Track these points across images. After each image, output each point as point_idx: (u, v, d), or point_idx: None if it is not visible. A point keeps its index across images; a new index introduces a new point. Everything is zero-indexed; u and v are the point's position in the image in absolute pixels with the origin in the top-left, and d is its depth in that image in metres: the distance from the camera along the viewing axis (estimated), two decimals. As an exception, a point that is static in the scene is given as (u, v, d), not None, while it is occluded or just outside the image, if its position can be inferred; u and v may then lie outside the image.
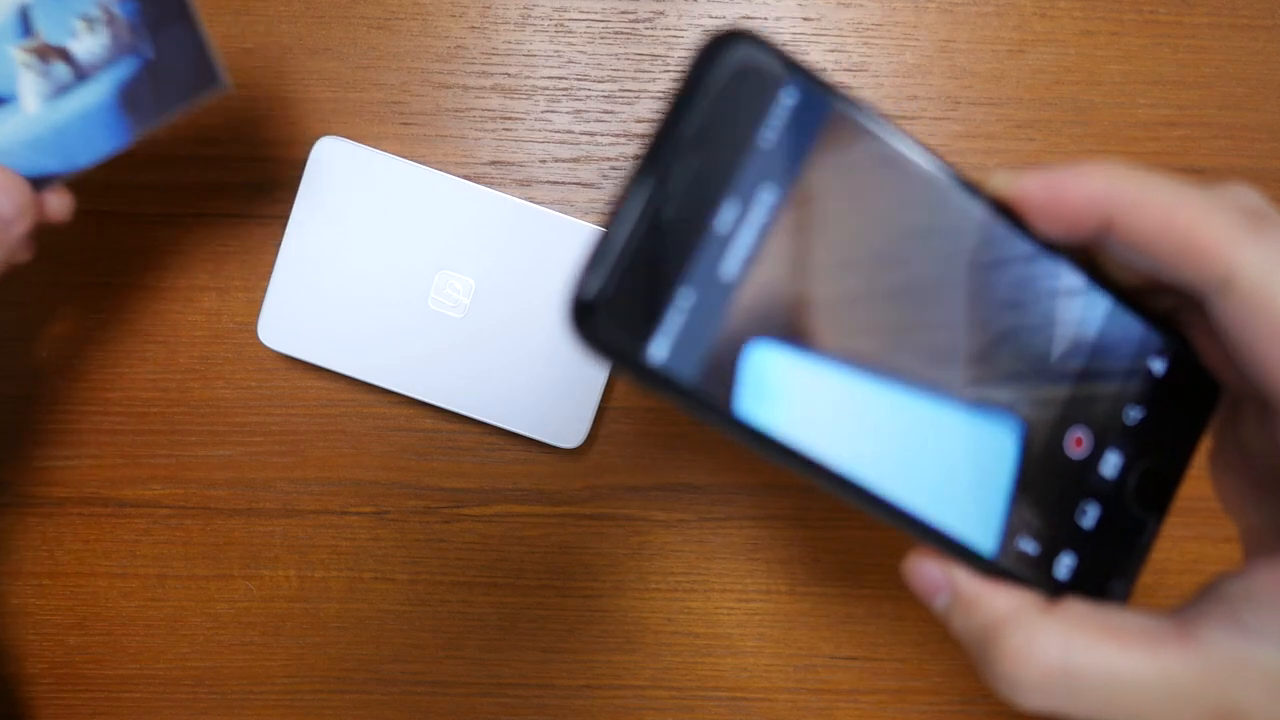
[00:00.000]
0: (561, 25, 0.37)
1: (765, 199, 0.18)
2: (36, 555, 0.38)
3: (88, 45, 0.28)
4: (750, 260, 0.18)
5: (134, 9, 0.27)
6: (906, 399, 0.20)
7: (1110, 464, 0.21)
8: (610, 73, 0.37)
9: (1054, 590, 0.21)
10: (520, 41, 0.37)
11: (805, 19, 0.37)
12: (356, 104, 0.37)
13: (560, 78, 0.37)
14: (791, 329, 0.19)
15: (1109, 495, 0.22)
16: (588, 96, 0.37)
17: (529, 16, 0.37)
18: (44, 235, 0.37)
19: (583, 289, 0.17)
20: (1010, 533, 0.21)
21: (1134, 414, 0.22)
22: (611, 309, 0.17)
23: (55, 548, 0.38)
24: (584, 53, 0.37)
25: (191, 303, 0.37)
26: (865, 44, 0.37)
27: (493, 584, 0.38)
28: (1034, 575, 0.21)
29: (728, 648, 0.39)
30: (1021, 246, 0.20)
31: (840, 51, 0.37)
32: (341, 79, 0.37)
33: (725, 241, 0.18)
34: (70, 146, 0.28)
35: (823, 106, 0.19)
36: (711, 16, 0.37)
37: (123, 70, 0.28)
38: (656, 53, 0.37)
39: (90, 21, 0.27)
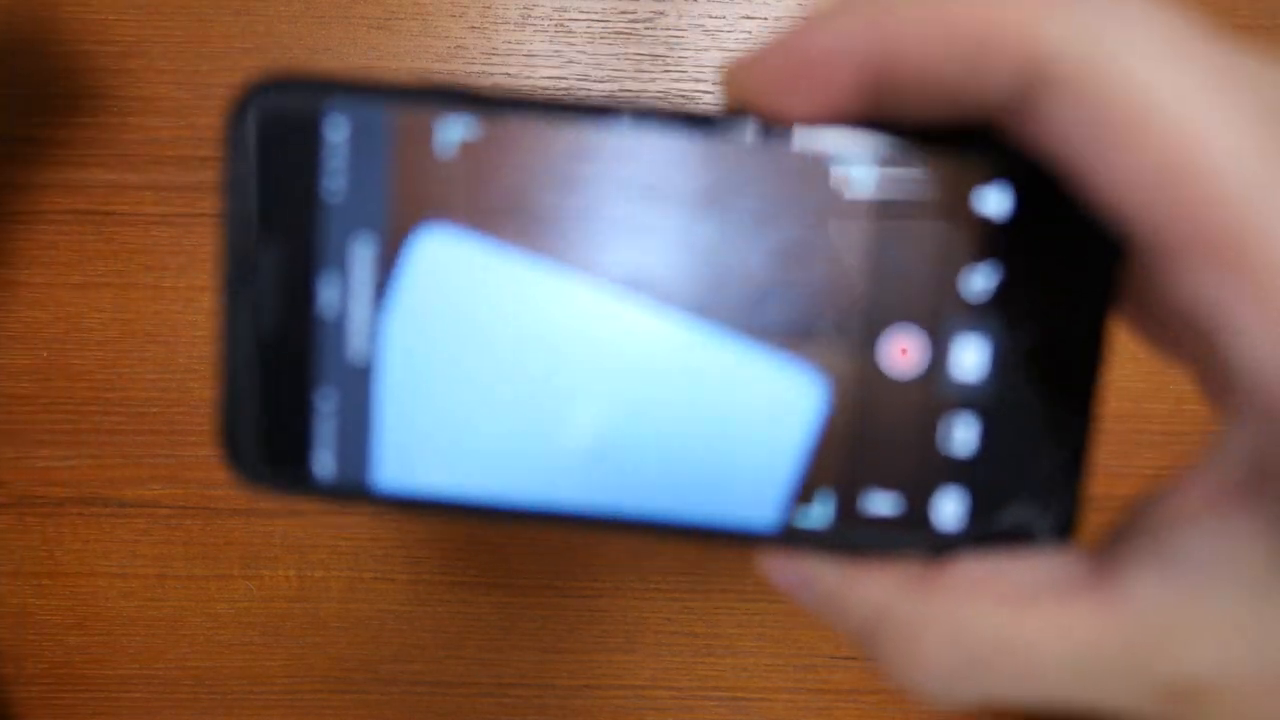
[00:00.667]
0: (561, 25, 0.37)
1: (363, 253, 0.16)
2: (36, 555, 0.38)
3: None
4: (379, 324, 0.16)
5: None
6: (625, 388, 0.16)
7: (967, 360, 0.15)
8: (610, 73, 0.37)
9: (942, 548, 0.16)
10: (520, 41, 0.37)
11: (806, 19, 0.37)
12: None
13: (560, 78, 0.37)
14: (468, 376, 0.16)
15: (986, 401, 0.16)
16: (588, 96, 0.37)
17: (529, 16, 0.37)
18: (45, 236, 0.37)
19: (222, 444, 0.16)
20: (843, 497, 0.16)
21: (982, 281, 0.15)
22: (257, 449, 0.16)
23: (55, 548, 0.38)
24: (584, 53, 0.37)
25: (191, 303, 0.37)
26: (865, 44, 0.37)
27: (493, 584, 0.38)
28: (907, 538, 0.16)
29: (728, 648, 0.39)
30: (730, 146, 0.15)
31: (840, 51, 0.37)
32: (341, 79, 0.37)
33: (340, 320, 0.16)
34: None
35: (384, 115, 0.16)
36: (711, 16, 0.37)
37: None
38: (657, 53, 0.37)
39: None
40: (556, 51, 0.37)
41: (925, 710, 0.39)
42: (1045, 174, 0.15)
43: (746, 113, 0.15)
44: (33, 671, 0.39)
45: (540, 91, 0.18)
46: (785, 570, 0.17)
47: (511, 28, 0.37)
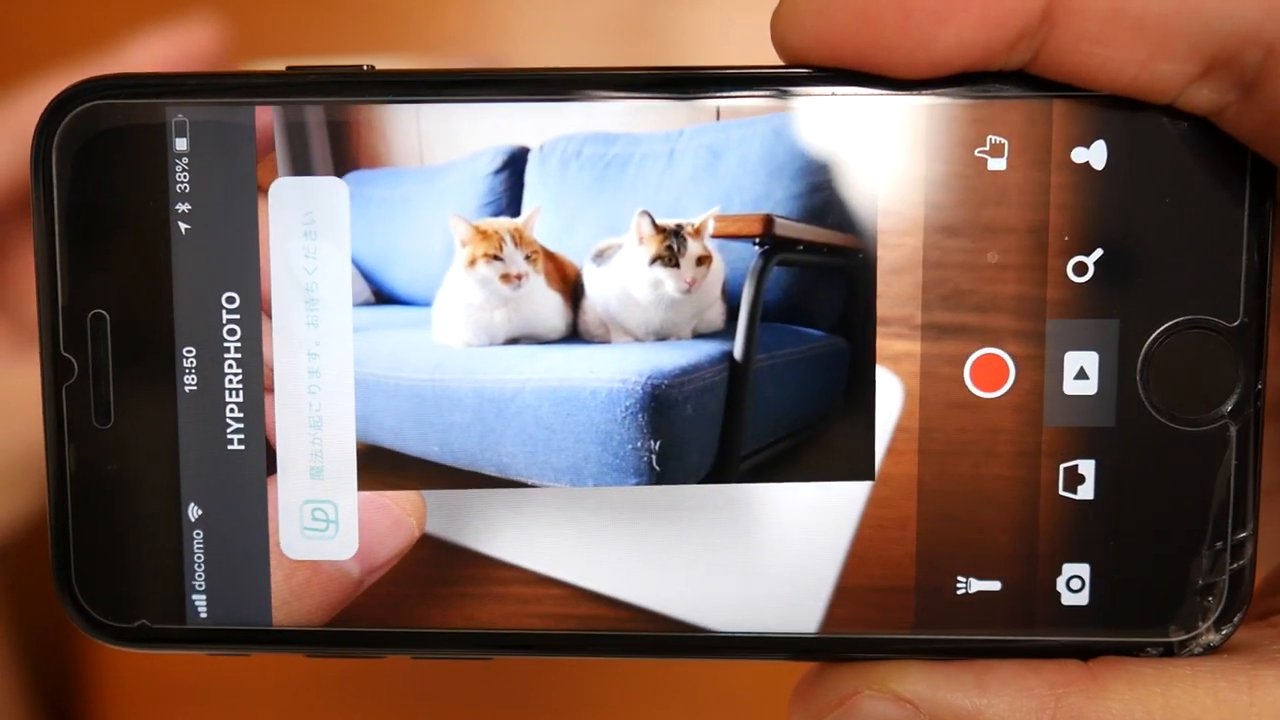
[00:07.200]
0: (562, 26, 0.37)
1: (236, 319, 0.11)
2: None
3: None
4: (252, 409, 0.11)
5: None
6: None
7: (1071, 365, 0.12)
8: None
9: (1058, 627, 0.12)
10: (521, 42, 0.37)
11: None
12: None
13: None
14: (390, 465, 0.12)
15: (1104, 433, 0.11)
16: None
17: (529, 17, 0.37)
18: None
19: (63, 597, 0.12)
20: (938, 573, 0.12)
21: (1090, 260, 0.12)
22: (120, 600, 0.12)
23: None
24: (584, 53, 0.37)
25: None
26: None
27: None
28: (1018, 622, 0.12)
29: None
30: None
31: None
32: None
33: (210, 414, 0.11)
34: None
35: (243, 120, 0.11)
36: (713, 17, 0.37)
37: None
38: (657, 53, 0.37)
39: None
40: (557, 51, 0.37)
41: None
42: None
43: (809, 65, 0.12)
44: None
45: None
46: (877, 706, 0.12)
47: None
